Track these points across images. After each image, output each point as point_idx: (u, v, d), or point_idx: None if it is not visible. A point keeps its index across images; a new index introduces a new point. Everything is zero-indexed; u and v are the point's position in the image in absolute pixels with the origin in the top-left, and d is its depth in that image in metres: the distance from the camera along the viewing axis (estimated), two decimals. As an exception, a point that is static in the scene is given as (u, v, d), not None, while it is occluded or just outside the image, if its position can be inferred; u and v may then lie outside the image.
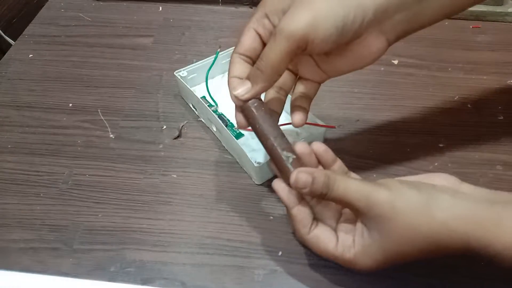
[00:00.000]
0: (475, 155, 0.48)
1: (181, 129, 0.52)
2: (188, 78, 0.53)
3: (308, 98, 0.40)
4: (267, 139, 0.35)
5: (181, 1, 0.70)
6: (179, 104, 0.55)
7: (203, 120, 0.52)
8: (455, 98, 0.54)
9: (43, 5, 0.71)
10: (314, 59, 0.38)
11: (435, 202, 0.31)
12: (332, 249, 0.35)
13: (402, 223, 0.31)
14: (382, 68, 0.58)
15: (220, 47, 0.54)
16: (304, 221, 0.35)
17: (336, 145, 0.50)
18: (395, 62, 0.59)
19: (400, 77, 0.57)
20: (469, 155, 0.48)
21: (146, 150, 0.50)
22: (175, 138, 0.51)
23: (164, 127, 0.52)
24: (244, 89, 0.34)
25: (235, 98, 0.35)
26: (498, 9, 0.64)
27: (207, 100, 0.52)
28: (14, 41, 0.66)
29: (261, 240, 0.42)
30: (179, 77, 0.52)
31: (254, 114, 0.35)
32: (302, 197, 0.35)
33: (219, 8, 0.69)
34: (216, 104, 0.52)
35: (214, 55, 0.54)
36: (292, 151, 0.35)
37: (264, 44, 0.35)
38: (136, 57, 0.61)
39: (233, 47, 0.55)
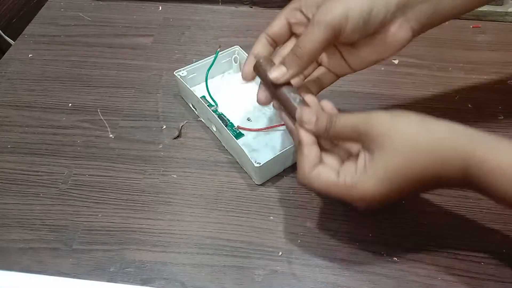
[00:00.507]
0: (475, 155, 0.48)
1: (180, 129, 0.52)
2: (188, 77, 0.53)
3: (320, 84, 0.41)
4: (278, 86, 0.37)
5: (181, 1, 0.70)
6: (179, 104, 0.55)
7: (203, 120, 0.52)
8: (456, 98, 0.54)
9: (43, 5, 0.71)
10: (340, 51, 0.40)
11: (433, 121, 0.33)
12: (334, 178, 0.34)
13: (402, 139, 0.32)
14: (382, 68, 0.58)
15: (220, 47, 0.54)
16: (312, 161, 0.35)
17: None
18: (395, 62, 0.59)
19: (400, 77, 0.57)
20: (469, 155, 0.48)
21: (146, 150, 0.50)
22: (174, 138, 0.51)
23: (164, 127, 0.52)
24: (280, 73, 0.37)
25: (271, 79, 0.37)
26: (498, 9, 0.64)
27: (207, 100, 0.52)
28: (14, 41, 0.66)
29: (261, 240, 0.42)
30: (178, 76, 0.52)
31: (267, 68, 0.38)
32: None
33: (219, 7, 0.69)
34: (216, 104, 0.52)
35: (214, 55, 0.54)
36: (300, 95, 0.38)
37: (291, 34, 0.40)
38: (135, 57, 0.61)
39: (234, 46, 0.55)
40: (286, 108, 0.38)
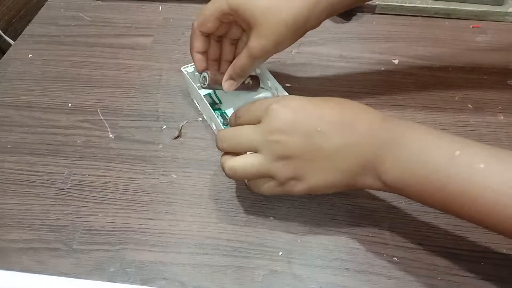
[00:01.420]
0: (475, 155, 0.48)
1: (180, 129, 0.52)
2: (195, 74, 0.52)
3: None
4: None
5: (181, 1, 0.70)
6: (179, 104, 0.55)
7: (204, 117, 0.52)
8: (456, 98, 0.54)
9: (43, 5, 0.71)
10: None
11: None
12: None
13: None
14: (382, 68, 0.58)
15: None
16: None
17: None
18: (395, 62, 0.59)
19: (400, 77, 0.57)
20: (469, 155, 0.48)
21: (146, 150, 0.50)
22: (174, 138, 0.51)
23: (164, 127, 0.52)
24: (231, 85, 0.47)
25: (225, 89, 0.47)
26: (498, 9, 0.64)
27: (211, 98, 0.52)
28: (14, 41, 0.66)
29: (261, 240, 0.42)
30: (185, 72, 0.51)
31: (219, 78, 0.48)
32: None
33: (219, 8, 0.69)
34: (220, 102, 0.52)
35: None
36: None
37: (220, 23, 0.44)
38: (135, 57, 0.61)
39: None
40: (243, 90, 0.50)
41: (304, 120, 0.36)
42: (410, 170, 0.34)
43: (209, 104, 0.49)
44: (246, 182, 0.40)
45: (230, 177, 0.39)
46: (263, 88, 0.53)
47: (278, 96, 0.42)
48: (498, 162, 0.31)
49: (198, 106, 0.53)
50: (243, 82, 0.49)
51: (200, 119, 0.53)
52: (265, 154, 0.37)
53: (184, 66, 0.52)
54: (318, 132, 0.36)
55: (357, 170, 0.36)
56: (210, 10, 0.43)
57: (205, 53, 0.47)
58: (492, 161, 0.31)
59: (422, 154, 0.33)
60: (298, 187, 0.37)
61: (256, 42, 0.42)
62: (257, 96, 0.53)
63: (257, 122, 0.38)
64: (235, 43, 0.48)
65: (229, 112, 0.52)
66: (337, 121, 0.36)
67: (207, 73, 0.46)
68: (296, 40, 0.43)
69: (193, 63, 0.48)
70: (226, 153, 0.39)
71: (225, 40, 0.47)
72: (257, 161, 0.37)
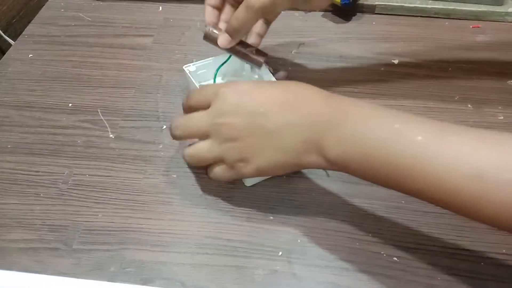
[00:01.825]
0: (475, 155, 0.48)
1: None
2: (197, 73, 0.51)
3: (261, 34, 0.50)
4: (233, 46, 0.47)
5: (181, 1, 0.70)
6: (179, 104, 0.54)
7: None
8: (455, 98, 0.54)
9: (43, 5, 0.71)
10: None
11: None
12: None
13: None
14: (382, 68, 0.58)
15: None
16: None
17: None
18: (395, 62, 0.59)
19: (400, 77, 0.57)
20: (469, 155, 0.48)
21: (146, 150, 0.50)
22: (175, 138, 0.51)
23: (164, 127, 0.52)
24: (225, 40, 0.45)
25: (219, 45, 0.46)
26: (498, 9, 0.64)
27: None
28: (14, 41, 0.66)
29: (261, 240, 0.42)
30: (187, 71, 0.51)
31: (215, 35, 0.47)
32: None
33: (219, 8, 0.69)
34: None
35: (228, 55, 0.51)
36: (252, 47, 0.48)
37: None
38: (136, 57, 0.61)
39: None
40: (245, 58, 0.47)
41: (248, 101, 0.38)
42: (352, 146, 0.34)
43: None
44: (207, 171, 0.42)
45: (189, 164, 0.42)
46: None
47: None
48: (439, 135, 0.31)
49: None
50: (245, 48, 0.47)
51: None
52: (214, 138, 0.39)
53: (186, 65, 0.51)
54: (261, 113, 0.37)
55: (301, 149, 0.36)
56: None
57: (217, 9, 0.47)
58: (433, 134, 0.31)
59: (363, 130, 0.34)
60: (247, 169, 0.38)
61: None
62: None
63: (207, 106, 0.39)
64: None
65: None
66: (279, 101, 0.37)
67: (207, 27, 0.46)
68: (294, 4, 0.43)
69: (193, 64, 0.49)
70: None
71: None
72: (207, 146, 0.39)
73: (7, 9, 0.72)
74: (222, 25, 0.48)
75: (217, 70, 0.51)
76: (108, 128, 0.52)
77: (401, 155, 0.32)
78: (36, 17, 0.69)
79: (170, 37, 0.64)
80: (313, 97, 0.37)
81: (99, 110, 0.54)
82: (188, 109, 0.42)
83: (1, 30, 0.69)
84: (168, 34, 0.65)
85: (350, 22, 0.66)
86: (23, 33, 0.66)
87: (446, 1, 0.65)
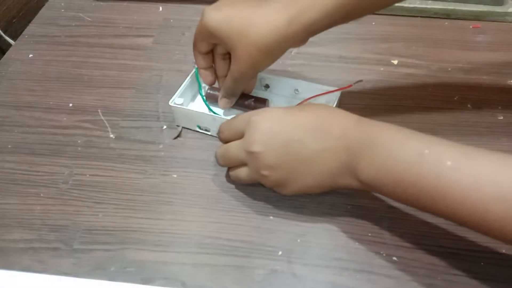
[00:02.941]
0: (475, 155, 0.48)
1: (181, 129, 0.52)
2: (187, 104, 0.51)
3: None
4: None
5: (181, 1, 0.70)
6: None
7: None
8: (455, 98, 0.54)
9: (43, 5, 0.71)
10: None
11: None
12: None
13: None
14: (382, 68, 0.58)
15: (194, 62, 0.53)
16: None
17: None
18: (395, 62, 0.59)
19: (400, 77, 0.57)
20: (469, 155, 0.48)
21: (146, 150, 0.50)
22: (175, 138, 0.51)
23: (164, 127, 0.52)
24: (226, 103, 0.49)
25: (221, 107, 0.50)
26: (498, 9, 0.64)
27: (217, 114, 0.50)
28: (14, 41, 0.66)
29: (261, 240, 0.42)
30: (178, 105, 0.49)
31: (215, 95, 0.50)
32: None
33: (219, 8, 0.69)
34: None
35: (193, 73, 0.52)
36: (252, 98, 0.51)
37: (210, 43, 0.46)
38: (136, 57, 0.61)
39: None
40: (248, 109, 0.48)
41: (281, 130, 0.39)
42: (384, 169, 0.35)
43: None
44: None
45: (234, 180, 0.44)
46: None
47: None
48: (465, 159, 0.33)
49: (205, 131, 0.51)
50: (244, 103, 0.50)
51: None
52: (250, 167, 0.41)
53: (171, 100, 0.49)
54: (295, 141, 0.38)
55: (336, 172, 0.38)
56: (196, 31, 0.45)
57: (211, 68, 0.49)
58: (459, 158, 0.33)
59: (394, 153, 0.35)
60: (284, 191, 0.41)
61: (234, 65, 0.44)
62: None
63: (241, 135, 0.41)
64: None
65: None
66: (311, 127, 0.38)
67: (206, 88, 0.50)
68: (276, 59, 0.44)
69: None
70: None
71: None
72: (245, 174, 0.42)
73: (7, 9, 0.72)
74: (220, 81, 0.50)
75: (200, 90, 0.52)
76: (109, 128, 0.52)
77: (432, 180, 0.33)
78: (36, 17, 0.69)
79: (170, 37, 0.64)
80: (344, 122, 0.38)
81: (99, 110, 0.54)
82: (224, 140, 0.44)
83: (1, 30, 0.69)
84: (168, 35, 0.65)
85: (350, 22, 0.66)
86: (23, 33, 0.66)
87: (446, 1, 0.65)
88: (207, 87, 0.51)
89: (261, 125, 0.39)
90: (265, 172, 0.39)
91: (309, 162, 0.38)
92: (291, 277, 0.40)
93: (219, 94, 0.49)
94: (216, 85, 0.51)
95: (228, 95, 0.48)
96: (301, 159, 0.39)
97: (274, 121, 0.40)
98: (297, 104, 0.49)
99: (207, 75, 0.49)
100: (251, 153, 0.39)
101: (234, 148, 0.42)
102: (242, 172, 0.42)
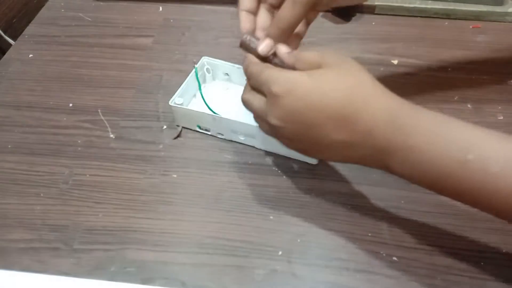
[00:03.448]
0: (475, 155, 0.48)
1: (181, 129, 0.52)
2: (188, 103, 0.51)
3: (299, 37, 0.44)
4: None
5: (181, 1, 0.70)
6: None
7: (222, 135, 0.50)
8: (455, 98, 0.54)
9: (43, 5, 0.71)
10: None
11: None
12: (272, 66, 0.38)
13: (352, 67, 0.36)
14: (382, 68, 0.58)
15: (194, 62, 0.53)
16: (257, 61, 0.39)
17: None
18: (395, 62, 0.59)
19: (400, 77, 0.57)
20: (469, 155, 0.48)
21: (147, 150, 0.50)
22: (175, 138, 0.51)
23: (164, 127, 0.52)
24: (268, 47, 0.39)
25: (260, 53, 0.39)
26: (498, 9, 0.64)
27: (218, 115, 0.50)
28: (14, 41, 0.66)
29: (261, 240, 0.42)
30: (178, 105, 0.49)
31: (253, 43, 0.41)
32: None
33: (219, 8, 0.69)
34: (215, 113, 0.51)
35: (194, 72, 0.52)
36: None
37: None
38: (136, 57, 0.61)
39: (202, 58, 0.54)
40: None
41: (303, 110, 0.34)
42: (420, 170, 0.33)
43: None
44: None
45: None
46: None
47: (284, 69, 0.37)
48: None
49: (205, 131, 0.51)
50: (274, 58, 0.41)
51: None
52: (272, 130, 0.38)
53: (170, 100, 0.49)
54: (316, 126, 0.34)
55: (361, 161, 0.36)
56: None
57: (253, 13, 0.42)
58: (506, 163, 0.30)
59: (432, 159, 0.32)
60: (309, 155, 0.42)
61: None
62: None
63: (264, 94, 0.37)
64: None
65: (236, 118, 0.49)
66: (337, 114, 0.34)
67: (244, 36, 0.41)
68: None
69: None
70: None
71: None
72: (267, 127, 0.38)
73: (7, 9, 0.72)
74: (259, 33, 0.42)
75: (200, 89, 0.52)
76: (109, 128, 0.52)
77: (476, 185, 0.31)
78: (36, 17, 0.69)
79: (170, 37, 0.64)
80: (375, 112, 0.33)
81: (99, 110, 0.54)
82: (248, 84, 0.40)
83: (1, 30, 0.69)
84: (168, 34, 0.65)
85: (350, 22, 0.66)
86: (23, 33, 0.66)
87: (446, 1, 0.65)
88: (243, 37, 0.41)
89: (282, 101, 0.35)
90: (283, 140, 0.37)
91: (330, 149, 0.35)
92: (291, 277, 0.40)
93: (260, 38, 0.40)
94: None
95: (278, 32, 0.39)
96: (321, 144, 0.35)
97: (296, 98, 0.34)
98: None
99: (249, 20, 0.42)
100: (271, 124, 0.36)
101: (257, 107, 0.38)
102: (263, 125, 0.38)
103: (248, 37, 0.41)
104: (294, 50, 0.39)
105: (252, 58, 0.39)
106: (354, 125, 0.33)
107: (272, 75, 0.36)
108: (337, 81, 0.35)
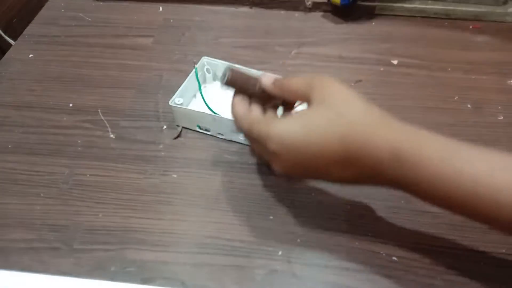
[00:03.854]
0: (474, 155, 0.48)
1: (181, 129, 0.52)
2: (180, 103, 0.50)
3: None
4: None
5: (181, 1, 0.70)
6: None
7: (222, 135, 0.50)
8: (455, 98, 0.54)
9: (43, 5, 0.71)
10: None
11: (375, 106, 0.34)
12: (260, 115, 0.38)
13: (344, 99, 0.34)
14: (382, 69, 0.58)
15: (194, 62, 0.53)
16: (241, 104, 0.40)
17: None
18: (395, 62, 0.59)
19: (400, 77, 0.57)
20: (468, 155, 0.48)
21: (147, 150, 0.50)
22: (175, 138, 0.51)
23: (164, 127, 0.52)
24: (270, 80, 0.40)
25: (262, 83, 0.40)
26: (498, 9, 0.64)
27: (218, 115, 0.50)
28: (14, 41, 0.66)
29: (261, 240, 0.42)
30: (178, 105, 0.49)
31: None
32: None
33: (219, 8, 0.69)
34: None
35: (194, 73, 0.52)
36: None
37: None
38: (136, 57, 0.61)
39: (202, 58, 0.53)
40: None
41: (307, 161, 0.35)
42: (430, 199, 0.34)
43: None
44: None
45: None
46: None
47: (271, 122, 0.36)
48: None
49: (205, 131, 0.51)
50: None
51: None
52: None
53: (170, 100, 0.49)
54: (323, 169, 0.35)
55: (372, 185, 0.36)
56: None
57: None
58: None
59: (441, 191, 0.32)
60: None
61: None
62: None
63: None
64: None
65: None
66: (340, 160, 0.33)
67: (229, 70, 0.40)
68: None
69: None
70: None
71: None
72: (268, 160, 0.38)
73: (7, 9, 0.72)
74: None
75: (200, 90, 0.52)
76: (109, 128, 0.52)
77: (487, 215, 0.31)
78: (36, 17, 0.69)
79: (170, 37, 0.64)
80: (375, 154, 0.32)
81: (99, 110, 0.54)
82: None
83: (1, 30, 0.69)
84: (168, 34, 0.65)
85: (350, 22, 0.66)
86: (23, 33, 0.66)
87: (446, 1, 0.65)
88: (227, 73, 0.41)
89: (282, 157, 0.35)
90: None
91: (341, 181, 0.36)
92: (291, 277, 0.40)
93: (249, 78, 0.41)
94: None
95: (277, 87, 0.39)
96: (330, 179, 0.36)
97: (295, 152, 0.34)
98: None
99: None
100: (277, 170, 0.37)
101: (258, 152, 0.40)
102: (259, 151, 0.39)
103: (231, 72, 0.40)
104: (278, 79, 0.39)
105: (236, 105, 0.40)
106: (358, 162, 0.33)
107: (262, 132, 0.36)
108: (330, 127, 0.33)
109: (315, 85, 0.36)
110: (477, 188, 0.30)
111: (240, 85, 0.41)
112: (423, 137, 0.33)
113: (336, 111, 0.34)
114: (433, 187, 0.31)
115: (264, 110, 0.40)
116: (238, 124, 0.40)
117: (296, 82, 0.37)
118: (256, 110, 0.40)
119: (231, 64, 0.41)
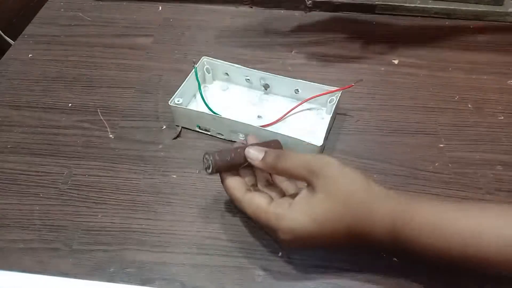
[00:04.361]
0: (475, 155, 0.48)
1: (180, 129, 0.52)
2: (180, 103, 0.50)
3: None
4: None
5: (181, 1, 0.70)
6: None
7: (222, 135, 0.50)
8: (455, 98, 0.54)
9: (43, 5, 0.71)
10: None
11: (373, 182, 0.36)
12: (264, 205, 0.37)
13: (346, 189, 0.35)
14: (382, 68, 0.58)
15: (194, 62, 0.53)
16: (237, 186, 0.39)
17: (336, 145, 0.50)
18: (395, 62, 0.59)
19: (400, 77, 0.57)
20: (469, 155, 0.48)
21: (146, 150, 0.50)
22: (174, 138, 0.51)
23: (164, 127, 0.52)
24: (259, 155, 0.39)
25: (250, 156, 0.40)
26: (498, 9, 0.64)
27: (218, 114, 0.50)
28: (14, 41, 0.66)
29: (261, 240, 0.42)
30: (177, 105, 0.49)
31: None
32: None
33: (219, 8, 0.69)
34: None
35: (193, 72, 0.52)
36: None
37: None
38: (135, 57, 0.61)
39: (202, 58, 0.53)
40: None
41: (316, 246, 0.39)
42: (425, 261, 0.36)
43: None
44: None
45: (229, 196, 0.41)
46: None
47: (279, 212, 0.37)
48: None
49: (205, 131, 0.51)
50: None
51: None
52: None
53: (170, 100, 0.49)
54: (331, 247, 0.39)
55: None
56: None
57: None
58: (508, 250, 0.31)
59: (432, 257, 0.34)
60: None
61: None
62: None
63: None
64: None
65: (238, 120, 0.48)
66: (346, 239, 0.36)
67: (210, 157, 0.39)
68: None
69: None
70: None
71: None
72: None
73: (7, 9, 0.72)
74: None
75: (200, 90, 0.52)
76: (108, 128, 0.52)
77: (476, 269, 0.34)
78: (36, 17, 0.69)
79: (170, 37, 0.64)
80: (377, 233, 0.35)
81: (98, 110, 0.54)
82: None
83: (1, 30, 0.69)
84: (168, 34, 0.65)
85: (350, 22, 0.66)
86: (23, 33, 0.66)
87: (446, 1, 0.65)
88: (210, 161, 0.39)
89: (292, 245, 0.37)
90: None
91: (349, 247, 0.39)
92: (291, 278, 0.40)
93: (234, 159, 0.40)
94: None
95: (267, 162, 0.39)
96: (339, 248, 0.40)
97: (304, 242, 0.37)
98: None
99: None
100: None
101: (263, 229, 0.39)
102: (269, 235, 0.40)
103: (214, 158, 0.39)
104: (268, 156, 0.38)
105: (230, 189, 0.39)
106: (362, 241, 0.36)
107: (271, 223, 0.36)
108: (339, 222, 0.35)
109: (315, 170, 0.36)
110: (466, 250, 0.32)
111: (227, 166, 0.39)
112: (414, 209, 0.35)
113: (343, 202, 0.35)
114: (426, 254, 0.34)
115: (258, 182, 0.41)
116: (238, 206, 0.39)
117: (293, 166, 0.37)
118: (257, 196, 0.38)
119: (206, 150, 0.40)
